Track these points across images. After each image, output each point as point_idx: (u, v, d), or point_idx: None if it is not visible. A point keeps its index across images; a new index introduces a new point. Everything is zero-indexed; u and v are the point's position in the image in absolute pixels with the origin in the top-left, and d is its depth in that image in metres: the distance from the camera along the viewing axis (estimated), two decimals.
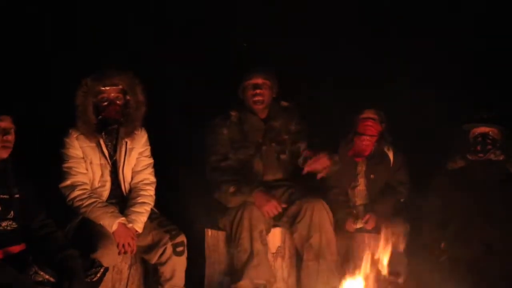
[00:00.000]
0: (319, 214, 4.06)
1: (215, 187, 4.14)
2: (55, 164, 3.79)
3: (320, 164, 4.11)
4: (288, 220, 4.15)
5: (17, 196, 3.36)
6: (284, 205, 4.13)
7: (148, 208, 3.85)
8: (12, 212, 3.32)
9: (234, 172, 4.15)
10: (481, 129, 4.23)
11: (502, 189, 4.13)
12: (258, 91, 4.25)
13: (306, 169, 4.13)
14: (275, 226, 4.17)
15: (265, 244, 4.03)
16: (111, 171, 3.86)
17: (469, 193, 4.10)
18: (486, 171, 4.20)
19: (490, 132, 4.22)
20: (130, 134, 3.88)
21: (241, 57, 4.92)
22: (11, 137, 3.35)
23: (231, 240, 4.05)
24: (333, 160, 4.16)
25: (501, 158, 4.22)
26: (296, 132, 4.35)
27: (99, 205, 3.71)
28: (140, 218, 3.78)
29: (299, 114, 4.41)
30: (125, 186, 3.90)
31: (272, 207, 4.06)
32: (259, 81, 4.27)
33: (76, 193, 3.72)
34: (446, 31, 4.86)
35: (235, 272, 4.01)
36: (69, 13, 4.68)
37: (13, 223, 3.31)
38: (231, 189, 4.06)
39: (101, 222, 3.67)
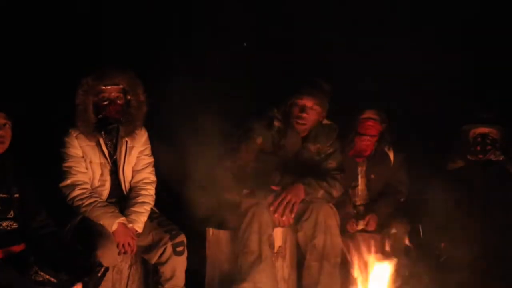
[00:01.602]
0: (325, 215, 3.96)
1: (227, 188, 4.00)
2: (55, 164, 3.77)
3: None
4: (293, 218, 4.02)
5: (16, 195, 3.33)
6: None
7: (148, 207, 3.83)
8: (12, 211, 3.30)
9: (246, 176, 4.01)
10: (481, 129, 4.25)
11: (502, 189, 4.15)
12: (304, 114, 4.01)
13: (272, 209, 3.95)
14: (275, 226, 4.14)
15: (272, 248, 3.95)
16: (111, 170, 3.84)
17: (468, 194, 4.11)
18: (485, 171, 4.21)
19: (490, 133, 4.24)
20: (130, 133, 3.85)
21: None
22: (3, 133, 3.30)
23: (237, 239, 3.94)
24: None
25: (501, 158, 4.24)
26: (329, 153, 4.15)
27: (99, 204, 3.69)
28: (140, 218, 3.76)
29: (337, 135, 4.19)
30: (125, 185, 3.88)
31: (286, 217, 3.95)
32: (309, 103, 4.01)
33: (76, 192, 3.70)
34: (446, 30, 4.87)
35: (238, 273, 3.92)
36: (70, 11, 4.68)
37: (13, 223, 3.29)
38: (245, 191, 3.96)
39: (101, 222, 3.65)
